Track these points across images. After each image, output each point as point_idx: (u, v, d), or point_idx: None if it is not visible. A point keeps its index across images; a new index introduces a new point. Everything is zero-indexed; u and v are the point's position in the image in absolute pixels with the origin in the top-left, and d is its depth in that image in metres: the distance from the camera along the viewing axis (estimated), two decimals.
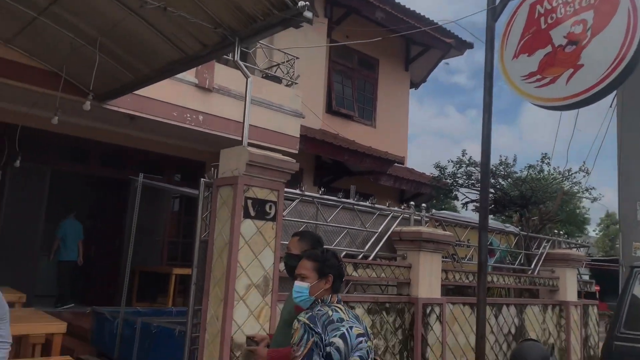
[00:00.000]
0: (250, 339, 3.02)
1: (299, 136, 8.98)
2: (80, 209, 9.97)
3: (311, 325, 2.19)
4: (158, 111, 7.47)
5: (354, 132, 11.67)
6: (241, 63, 4.61)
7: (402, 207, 6.06)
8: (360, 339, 2.30)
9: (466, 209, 11.14)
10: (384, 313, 5.34)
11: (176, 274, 8.59)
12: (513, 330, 7.01)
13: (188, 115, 7.76)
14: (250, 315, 4.24)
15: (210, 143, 9.03)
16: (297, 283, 2.40)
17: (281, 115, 8.76)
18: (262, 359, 2.90)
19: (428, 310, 5.69)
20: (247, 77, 4.60)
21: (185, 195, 10.08)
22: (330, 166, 11.13)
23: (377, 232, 5.65)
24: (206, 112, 7.94)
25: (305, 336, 2.16)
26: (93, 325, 6.51)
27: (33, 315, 5.16)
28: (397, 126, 13.40)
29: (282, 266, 4.63)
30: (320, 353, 2.16)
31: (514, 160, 10.66)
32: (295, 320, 2.23)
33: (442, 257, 6.04)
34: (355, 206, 5.54)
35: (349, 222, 5.54)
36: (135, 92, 6.81)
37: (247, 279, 4.26)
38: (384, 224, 5.77)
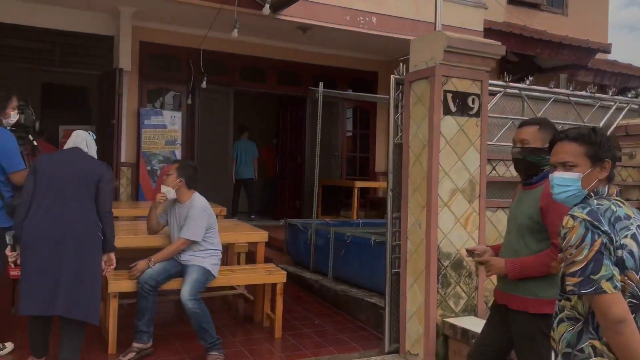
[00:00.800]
0: (470, 252, 2.54)
1: (482, 30, 7.96)
2: (261, 127, 10.25)
3: (595, 223, 1.64)
4: (330, 17, 7.09)
5: (542, 23, 10.09)
6: None
7: (629, 96, 4.96)
8: None
9: None
10: None
11: (358, 187, 8.53)
12: None
13: (361, 18, 7.25)
14: (456, 222, 3.82)
15: (384, 50, 8.55)
16: (561, 174, 1.81)
17: (461, 8, 7.80)
18: (499, 269, 2.40)
19: None
20: None
21: (359, 109, 9.82)
22: (517, 64, 9.86)
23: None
24: (379, 13, 7.35)
25: (589, 236, 1.62)
26: (287, 236, 6.69)
27: (236, 225, 5.35)
28: (594, 11, 11.32)
29: (489, 169, 4.09)
30: (611, 257, 1.62)
31: None
32: (568, 218, 1.69)
33: None
34: (570, 97, 4.65)
35: (561, 117, 4.69)
36: None
37: (450, 183, 3.80)
38: (606, 117, 4.80)
